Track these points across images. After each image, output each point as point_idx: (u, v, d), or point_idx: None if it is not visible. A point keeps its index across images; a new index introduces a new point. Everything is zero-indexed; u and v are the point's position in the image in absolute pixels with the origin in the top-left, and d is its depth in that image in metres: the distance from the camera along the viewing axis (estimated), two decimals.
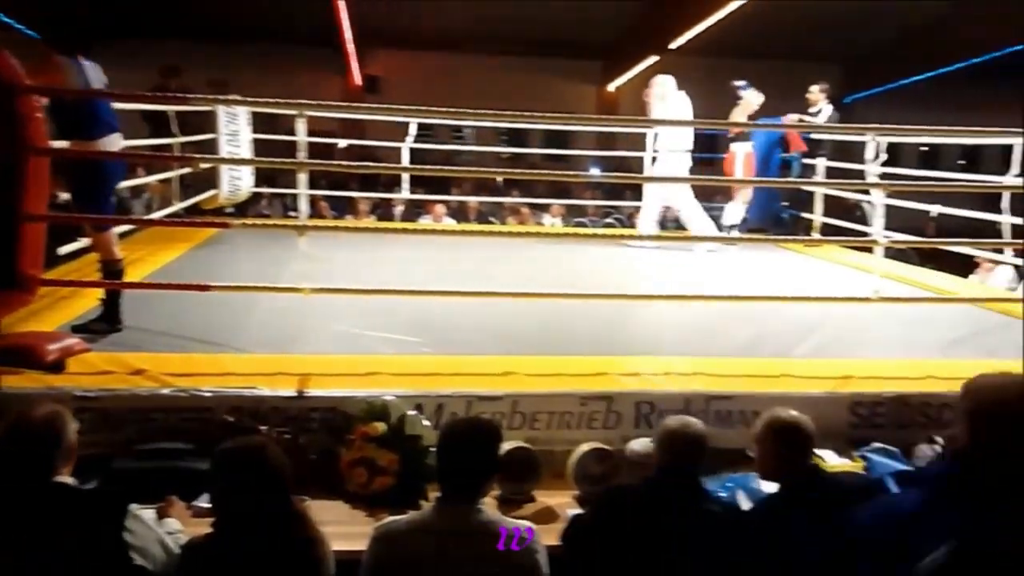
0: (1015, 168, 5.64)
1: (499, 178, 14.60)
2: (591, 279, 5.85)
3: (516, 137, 17.08)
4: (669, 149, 7.63)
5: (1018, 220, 5.90)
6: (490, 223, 11.09)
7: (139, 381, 3.57)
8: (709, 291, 4.64)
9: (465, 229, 9.17)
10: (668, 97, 7.65)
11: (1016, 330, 5.05)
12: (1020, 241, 6.49)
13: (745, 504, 3.18)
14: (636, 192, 10.57)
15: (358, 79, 17.54)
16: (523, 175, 16.96)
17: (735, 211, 8.50)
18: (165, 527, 2.71)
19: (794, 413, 2.92)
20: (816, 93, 8.50)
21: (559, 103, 7.74)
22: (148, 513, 2.69)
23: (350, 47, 15.98)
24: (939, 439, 3.67)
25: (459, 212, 11.04)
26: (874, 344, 4.54)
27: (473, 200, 11.55)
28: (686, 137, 7.61)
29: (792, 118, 8.37)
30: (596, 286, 4.56)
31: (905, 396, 3.85)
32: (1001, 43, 14.38)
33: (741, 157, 8.28)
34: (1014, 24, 13.31)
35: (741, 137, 8.36)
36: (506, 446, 3.26)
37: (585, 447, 3.50)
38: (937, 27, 15.07)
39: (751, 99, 8.28)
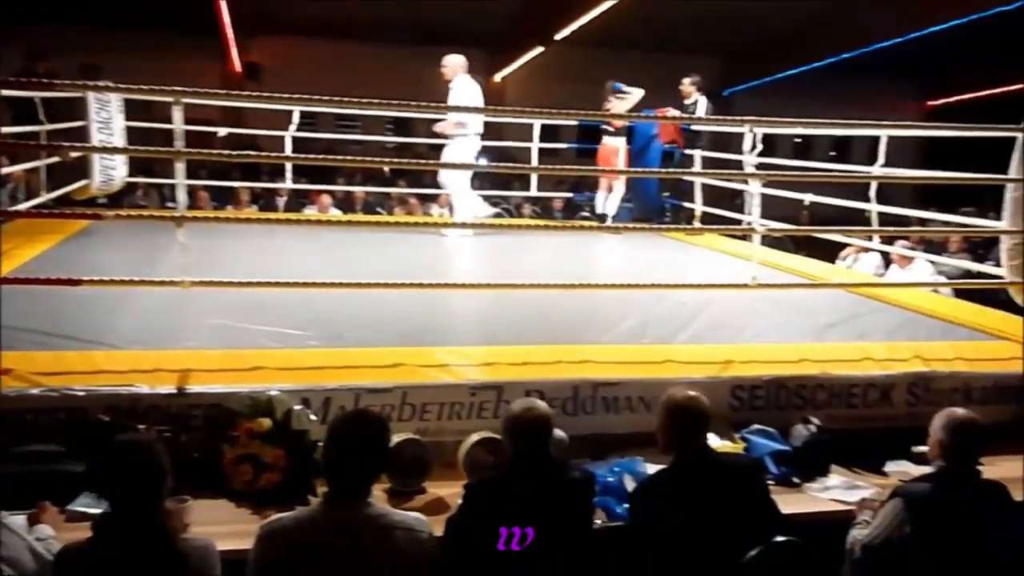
0: (881, 159, 5.92)
1: (386, 168, 14.45)
2: (479, 269, 5.87)
3: (403, 126, 16.93)
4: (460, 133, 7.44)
5: (885, 208, 6.21)
6: (377, 213, 10.98)
7: (6, 381, 3.37)
8: (595, 280, 4.71)
9: (353, 220, 9.05)
10: (454, 79, 7.47)
11: (883, 314, 5.34)
12: (888, 229, 6.86)
13: (632, 488, 3.24)
14: (524, 182, 10.65)
15: (238, 66, 17.04)
16: (410, 165, 16.78)
17: (612, 201, 8.66)
18: (36, 534, 2.59)
19: (692, 393, 3.06)
20: (688, 86, 8.71)
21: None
22: (18, 520, 2.56)
23: (229, 33, 15.51)
24: (814, 419, 3.84)
25: (345, 202, 10.88)
26: (753, 329, 4.69)
27: (360, 190, 11.40)
28: (475, 121, 7.46)
29: (667, 111, 8.54)
30: (484, 276, 4.57)
31: (782, 379, 4.00)
32: (871, 39, 15.10)
33: (623, 150, 8.45)
34: (884, 21, 14.03)
35: (620, 132, 8.51)
36: (396, 438, 3.24)
37: (475, 437, 3.51)
38: (812, 22, 15.70)
39: (634, 93, 8.45)
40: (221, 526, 2.92)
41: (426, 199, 11.79)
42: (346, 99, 4.70)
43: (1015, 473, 3.65)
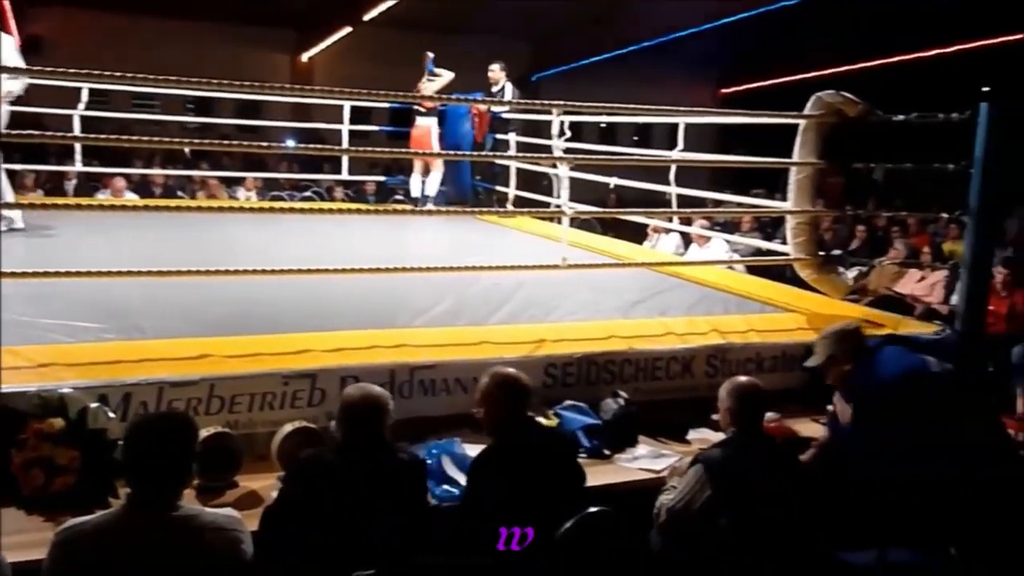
0: (680, 144, 6.22)
1: (187, 149, 13.74)
2: (291, 254, 5.67)
3: (204, 107, 16.15)
4: None
5: (684, 191, 6.53)
6: (178, 197, 10.44)
7: None
8: (410, 263, 4.69)
9: (151, 205, 8.55)
10: None
11: (683, 290, 5.62)
12: (687, 210, 7.22)
13: (450, 469, 3.26)
14: (335, 164, 10.45)
15: (17, 39, 15.63)
16: (214, 147, 16.08)
17: (431, 183, 8.66)
18: None
19: (512, 371, 3.15)
20: (497, 71, 8.81)
21: (251, 72, 7.40)
22: None
23: (6, 2, 14.20)
24: (622, 393, 3.99)
25: (142, 186, 10.28)
26: (564, 308, 4.82)
27: (158, 173, 10.80)
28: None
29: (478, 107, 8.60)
30: (295, 261, 4.43)
31: (592, 356, 4.13)
32: (670, 28, 15.81)
33: (434, 131, 8.45)
34: (682, 11, 14.69)
35: (431, 113, 8.50)
36: (203, 433, 3.10)
37: (289, 427, 3.41)
38: (616, 10, 16.22)
39: (444, 75, 8.45)
40: (12, 536, 2.69)
41: (231, 182, 11.35)
42: (140, 76, 4.43)
43: (806, 432, 3.98)
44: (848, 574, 3.35)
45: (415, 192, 8.73)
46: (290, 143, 14.05)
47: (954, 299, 5.18)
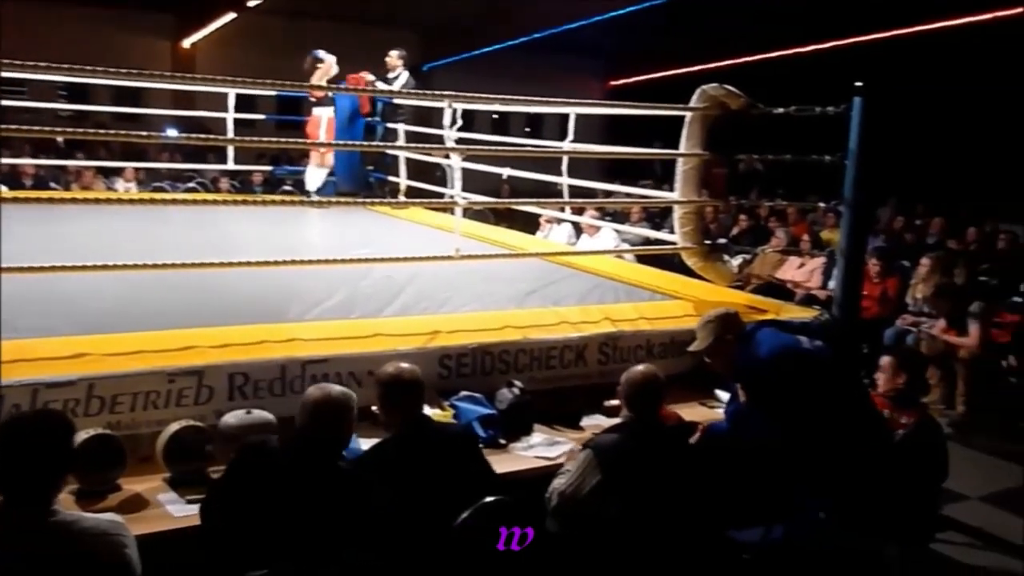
0: (570, 135, 6.29)
1: (60, 139, 13.10)
2: (175, 246, 5.47)
3: (79, 93, 15.40)
4: None
5: (575, 181, 6.61)
6: (51, 189, 9.95)
7: None
8: (300, 256, 4.58)
9: (20, 196, 8.11)
10: None
11: (576, 280, 5.69)
12: (578, 200, 7.31)
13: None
14: (220, 155, 10.13)
15: None
16: (89, 136, 15.39)
17: (318, 175, 8.51)
18: None
19: (406, 365, 3.15)
20: (395, 59, 8.74)
21: (129, 59, 7.08)
22: None
23: None
24: (517, 382, 4.02)
25: (12, 177, 9.74)
26: (458, 299, 4.82)
27: (28, 163, 10.27)
28: None
29: (363, 77, 8.49)
30: (177, 255, 4.27)
31: (487, 346, 4.14)
32: (562, 19, 15.92)
33: (325, 121, 8.30)
34: (577, 2, 14.81)
35: (324, 102, 8.36)
36: (82, 435, 2.97)
37: (175, 426, 3.30)
38: (507, 2, 16.23)
39: (330, 63, 8.31)
40: None
41: (109, 173, 10.89)
42: (7, 61, 4.18)
43: (693, 416, 4.09)
44: (737, 551, 3.47)
45: (312, 185, 8.56)
46: (171, 132, 13.55)
47: (831, 285, 5.40)
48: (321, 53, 8.33)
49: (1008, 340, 6.80)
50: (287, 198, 8.95)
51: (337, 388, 2.92)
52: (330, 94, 8.37)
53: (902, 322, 7.36)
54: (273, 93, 9.88)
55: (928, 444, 4.05)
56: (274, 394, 3.62)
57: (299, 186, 11.15)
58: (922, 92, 12.52)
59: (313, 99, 8.38)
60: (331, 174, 8.68)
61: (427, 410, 3.74)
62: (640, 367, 3.44)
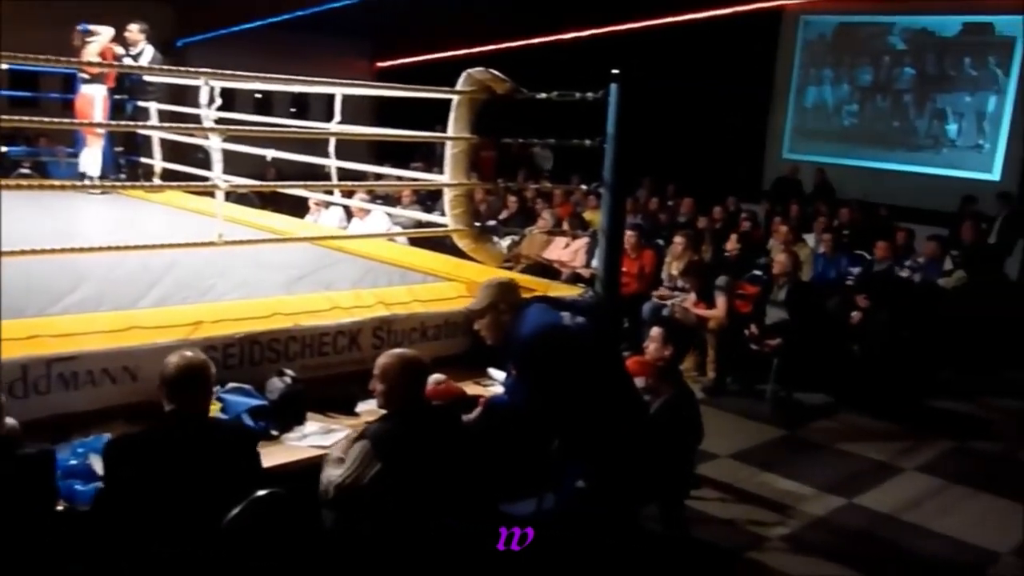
0: (337, 116, 6.16)
1: None
2: None
3: None
4: None
5: (344, 164, 6.49)
6: None
7: None
8: (41, 245, 4.17)
9: None
10: None
11: (348, 264, 5.60)
12: (347, 183, 7.18)
13: (99, 467, 2.99)
14: None
15: None
16: None
17: (94, 158, 7.83)
18: None
19: (189, 353, 3.04)
20: (136, 33, 8.14)
21: None
22: None
23: None
24: (288, 371, 3.90)
25: None
26: (222, 287, 4.61)
27: None
28: None
29: (112, 50, 7.90)
30: None
31: (255, 335, 3.98)
32: None
33: (100, 100, 7.66)
34: None
35: (97, 79, 7.69)
36: None
37: None
38: None
39: (106, 36, 7.67)
40: None
41: None
42: None
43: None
44: (512, 524, 3.57)
45: (92, 169, 7.83)
46: None
47: (594, 263, 5.66)
48: (92, 26, 7.65)
49: (749, 310, 7.44)
50: (22, 181, 8.15)
51: (194, 354, 3.03)
52: (103, 71, 7.70)
53: (658, 297, 7.86)
54: (5, 67, 8.95)
55: (685, 410, 4.36)
56: (16, 396, 3.29)
57: (38, 168, 10.19)
58: (671, 81, 13.41)
59: (86, 76, 7.68)
60: (73, 155, 8.01)
61: None
62: (404, 351, 3.44)
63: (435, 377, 3.91)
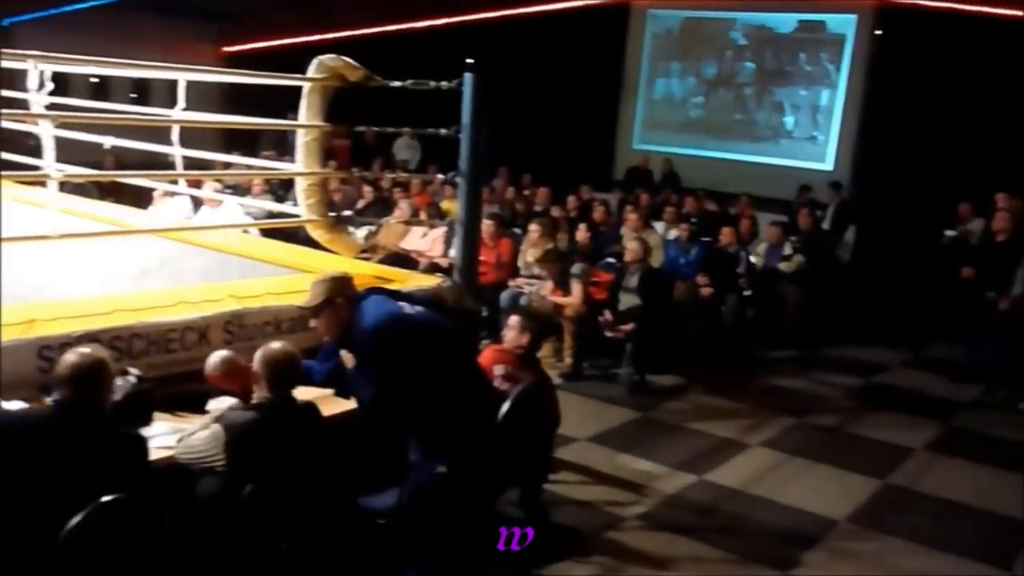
0: (181, 103, 5.91)
1: None
2: None
3: None
4: None
5: (190, 152, 6.22)
6: None
7: None
8: None
9: None
10: None
11: (196, 257, 5.40)
12: (194, 172, 6.91)
13: None
14: None
15: None
16: None
17: None
18: None
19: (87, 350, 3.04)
20: None
21: None
22: None
23: None
24: (132, 370, 3.72)
25: None
26: (58, 284, 4.35)
27: None
28: None
29: None
30: None
31: (94, 333, 3.77)
32: None
33: None
34: None
35: None
36: None
37: None
38: None
39: None
40: None
41: None
42: None
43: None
44: (371, 518, 3.54)
45: None
46: None
47: (452, 252, 5.66)
48: None
49: (603, 297, 7.63)
50: None
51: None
52: None
53: (515, 285, 7.94)
54: None
55: (543, 396, 4.43)
56: None
57: None
58: (526, 72, 13.57)
59: None
60: None
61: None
62: (276, 345, 3.37)
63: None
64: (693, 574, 4.46)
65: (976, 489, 5.68)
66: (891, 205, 11.08)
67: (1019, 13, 9.85)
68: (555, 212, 10.38)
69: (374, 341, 3.47)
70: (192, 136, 6.30)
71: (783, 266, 9.12)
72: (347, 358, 3.60)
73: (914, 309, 10.08)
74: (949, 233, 9.36)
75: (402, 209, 9.24)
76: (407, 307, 3.69)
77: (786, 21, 14.00)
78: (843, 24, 13.49)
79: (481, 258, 6.25)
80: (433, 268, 7.71)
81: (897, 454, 6.22)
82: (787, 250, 9.25)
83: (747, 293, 8.60)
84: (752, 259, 9.18)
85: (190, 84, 5.87)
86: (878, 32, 12.65)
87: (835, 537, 4.95)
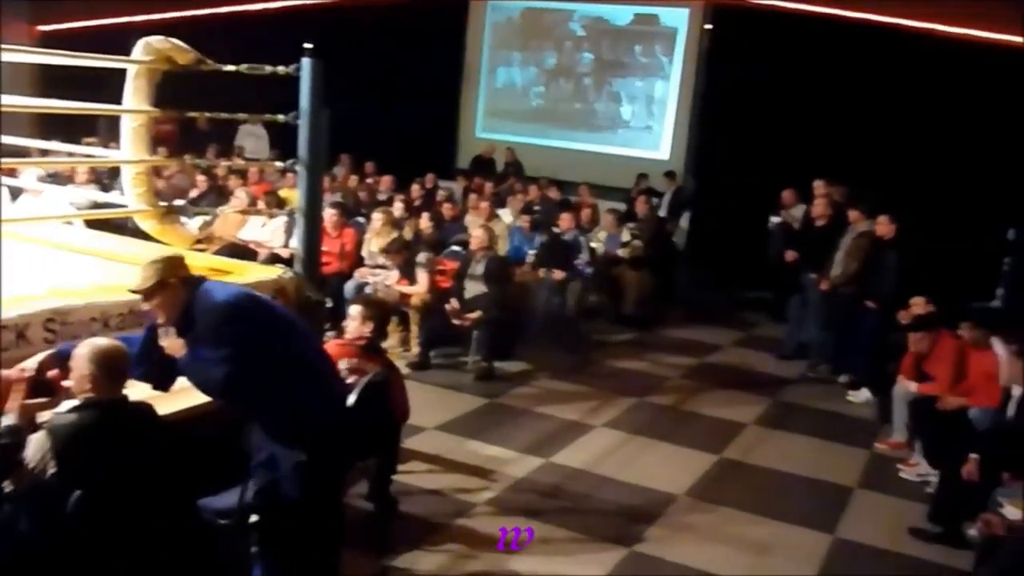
0: None
1: None
2: None
3: None
4: None
5: (4, 139, 5.78)
6: None
7: None
8: None
9: None
10: None
11: (14, 251, 5.01)
12: (9, 161, 6.41)
13: None
14: None
15: None
16: None
17: None
18: None
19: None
20: None
21: None
22: None
23: None
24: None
25: None
26: None
27: None
28: None
29: None
30: None
31: None
32: None
33: None
34: None
35: None
36: None
37: None
38: None
39: None
40: None
41: None
42: None
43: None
44: (213, 518, 3.41)
45: None
46: None
47: (293, 242, 5.51)
48: None
49: (449, 286, 7.64)
50: None
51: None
52: None
53: (359, 275, 7.84)
54: None
55: (390, 386, 4.39)
56: None
57: None
58: (368, 57, 13.39)
59: None
60: None
61: None
62: (99, 341, 3.19)
63: None
64: (541, 556, 4.54)
65: (802, 459, 6.07)
66: (722, 192, 11.60)
67: (835, 12, 10.50)
68: (399, 200, 10.29)
69: (230, 317, 3.26)
70: (4, 121, 5.84)
71: (622, 252, 9.42)
72: (176, 346, 3.34)
73: (744, 291, 10.66)
74: (774, 219, 9.89)
75: (239, 198, 8.93)
76: (255, 292, 3.56)
77: (622, 13, 14.37)
78: (676, 18, 13.98)
79: (324, 248, 6.11)
80: (274, 259, 7.50)
81: (730, 429, 6.55)
82: (625, 236, 9.55)
83: (588, 271, 8.86)
84: (593, 245, 9.42)
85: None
86: (708, 27, 13.18)
87: (675, 511, 5.17)
